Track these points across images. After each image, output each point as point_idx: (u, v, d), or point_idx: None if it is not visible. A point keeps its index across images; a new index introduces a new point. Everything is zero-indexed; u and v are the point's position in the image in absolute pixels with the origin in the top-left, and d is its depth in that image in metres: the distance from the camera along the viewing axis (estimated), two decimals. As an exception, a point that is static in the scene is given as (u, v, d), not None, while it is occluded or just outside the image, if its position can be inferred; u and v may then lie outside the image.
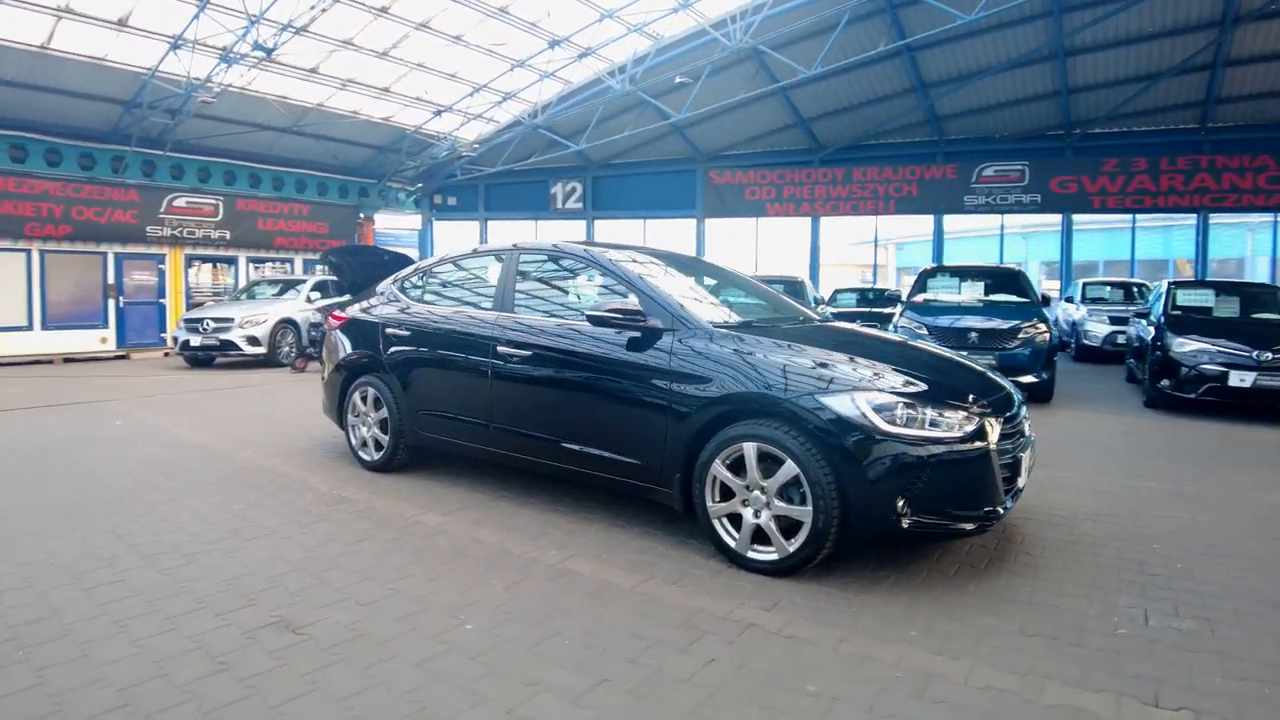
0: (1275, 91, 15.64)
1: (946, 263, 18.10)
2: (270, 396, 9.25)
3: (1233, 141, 16.81)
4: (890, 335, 4.69)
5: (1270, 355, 7.58)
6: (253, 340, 12.79)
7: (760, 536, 3.35)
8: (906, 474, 3.09)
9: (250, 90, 15.75)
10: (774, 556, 3.31)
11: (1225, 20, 14.02)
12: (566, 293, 4.59)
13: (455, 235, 23.40)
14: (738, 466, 3.38)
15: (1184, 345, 8.09)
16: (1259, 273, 19.29)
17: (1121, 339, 12.89)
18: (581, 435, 3.96)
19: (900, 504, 3.10)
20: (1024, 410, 3.77)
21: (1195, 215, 17.59)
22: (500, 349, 4.29)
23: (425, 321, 4.83)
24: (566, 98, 17.68)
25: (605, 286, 4.19)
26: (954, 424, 3.18)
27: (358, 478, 5.02)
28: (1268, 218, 17.54)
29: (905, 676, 2.53)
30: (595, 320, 3.82)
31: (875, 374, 3.31)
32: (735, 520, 3.43)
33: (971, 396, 3.35)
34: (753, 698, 2.39)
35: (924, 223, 20.31)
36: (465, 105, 18.12)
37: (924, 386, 3.30)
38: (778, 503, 3.28)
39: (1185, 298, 9.40)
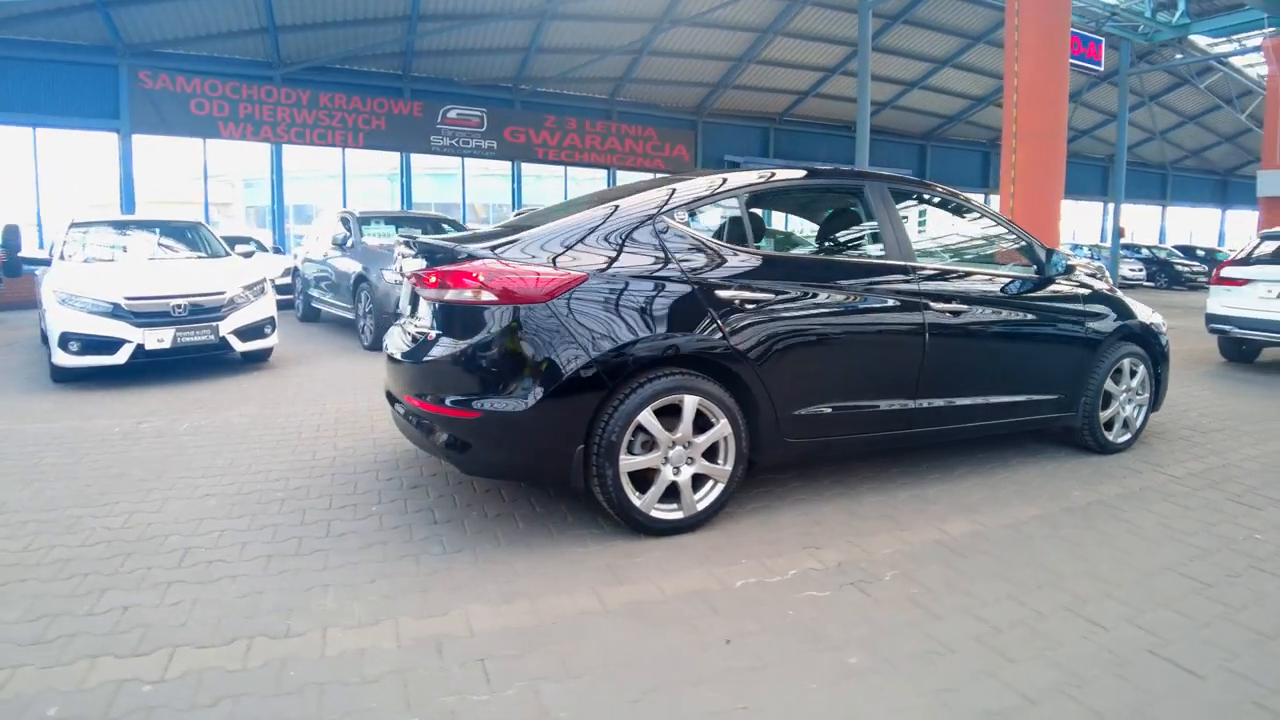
0: (667, 80, 21.13)
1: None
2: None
3: (632, 114, 21.86)
4: None
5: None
6: None
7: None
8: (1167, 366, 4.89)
9: None
10: (1127, 437, 4.59)
11: (662, 18, 18.35)
12: (942, 236, 4.56)
13: None
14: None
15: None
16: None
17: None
18: (1010, 386, 4.09)
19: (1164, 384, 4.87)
20: None
21: (606, 170, 22.31)
22: (935, 306, 3.77)
23: (798, 279, 3.52)
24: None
25: (968, 229, 4.50)
26: None
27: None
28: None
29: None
30: (1066, 270, 4.24)
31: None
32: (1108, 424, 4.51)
33: None
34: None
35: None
36: None
37: None
38: (1138, 397, 4.61)
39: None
